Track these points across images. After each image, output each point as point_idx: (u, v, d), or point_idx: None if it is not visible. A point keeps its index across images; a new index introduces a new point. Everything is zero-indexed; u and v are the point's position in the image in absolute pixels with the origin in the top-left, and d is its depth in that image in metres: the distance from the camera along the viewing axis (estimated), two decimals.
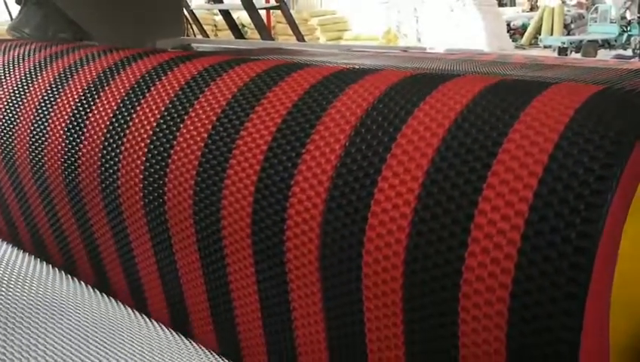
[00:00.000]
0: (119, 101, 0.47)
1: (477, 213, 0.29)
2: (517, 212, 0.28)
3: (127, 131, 0.45)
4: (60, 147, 0.49)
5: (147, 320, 0.48)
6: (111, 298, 0.51)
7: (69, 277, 0.54)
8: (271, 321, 0.39)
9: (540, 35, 6.99)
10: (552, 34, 6.89)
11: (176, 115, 0.43)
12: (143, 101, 0.45)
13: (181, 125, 0.42)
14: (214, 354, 0.44)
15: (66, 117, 0.50)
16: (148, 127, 0.44)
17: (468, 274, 0.29)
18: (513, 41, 6.97)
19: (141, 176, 0.43)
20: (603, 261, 0.27)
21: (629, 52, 5.91)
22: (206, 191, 0.39)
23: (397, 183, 0.32)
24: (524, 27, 7.27)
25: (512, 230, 0.28)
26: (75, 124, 0.49)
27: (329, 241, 0.33)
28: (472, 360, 0.30)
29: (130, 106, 0.46)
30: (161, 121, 0.43)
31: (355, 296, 0.33)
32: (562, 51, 6.16)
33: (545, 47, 6.65)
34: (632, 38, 6.05)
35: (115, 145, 0.45)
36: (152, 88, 0.46)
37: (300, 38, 2.93)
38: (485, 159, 0.30)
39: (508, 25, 7.08)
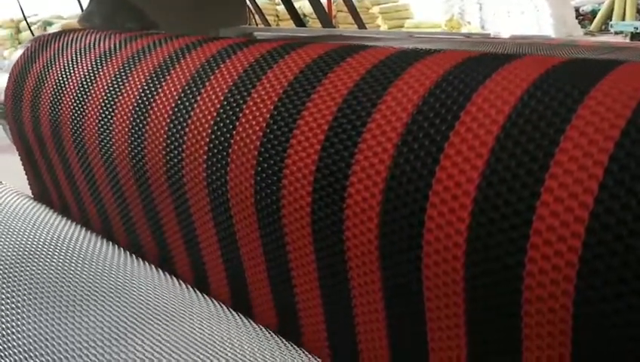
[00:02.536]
0: (182, 87, 0.47)
1: (539, 206, 0.27)
2: (581, 203, 0.26)
3: (190, 117, 0.45)
4: (126, 132, 0.51)
5: (209, 299, 0.48)
6: (174, 278, 0.52)
7: (134, 257, 0.56)
8: (331, 305, 0.39)
9: (610, 20, 6.71)
10: (623, 19, 6.59)
11: (238, 98, 0.43)
12: (205, 86, 0.46)
13: (242, 109, 0.42)
14: (274, 333, 0.44)
15: (132, 103, 0.51)
16: (210, 112, 0.44)
17: (530, 266, 0.27)
18: (582, 27, 6.72)
19: (204, 161, 0.43)
20: None
21: None
22: (266, 174, 0.39)
23: (457, 172, 0.30)
24: (594, 13, 6.98)
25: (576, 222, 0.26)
26: (140, 110, 0.50)
27: (388, 227, 0.32)
28: (537, 342, 0.28)
29: (193, 92, 0.46)
30: (224, 105, 0.43)
31: (415, 284, 0.32)
32: (635, 37, 5.89)
33: (616, 33, 6.37)
34: None
35: (178, 132, 0.46)
36: (215, 73, 0.46)
37: (361, 25, 2.91)
38: (548, 145, 0.28)
39: (577, 10, 6.82)
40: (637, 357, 0.25)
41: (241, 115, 0.42)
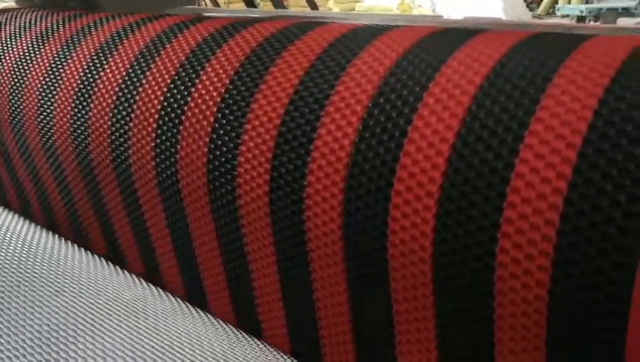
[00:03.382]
0: (128, 66, 0.45)
1: (509, 192, 0.26)
2: (559, 174, 0.25)
3: (138, 96, 0.42)
4: (68, 115, 0.48)
5: (161, 292, 0.46)
6: (124, 270, 0.50)
7: (81, 249, 0.53)
8: (292, 298, 0.37)
9: (557, 4, 6.85)
10: (569, 2, 6.74)
11: (187, 79, 0.40)
12: (152, 65, 0.43)
13: (193, 89, 0.39)
14: (232, 327, 0.42)
15: (74, 84, 0.48)
16: (159, 92, 0.41)
17: (505, 241, 0.26)
18: (530, 10, 6.83)
19: (152, 143, 0.41)
20: None
21: None
22: (220, 157, 0.36)
23: (422, 157, 0.28)
24: None
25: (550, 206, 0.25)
26: (84, 91, 0.47)
27: (352, 216, 0.31)
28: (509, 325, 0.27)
29: (139, 71, 0.44)
30: (172, 85, 0.41)
31: (381, 275, 0.31)
32: (580, 20, 6.03)
33: (562, 16, 6.51)
34: None
35: (125, 112, 0.43)
36: (162, 51, 0.44)
37: (313, 7, 2.88)
38: (517, 127, 0.27)
39: None
40: (609, 345, 0.24)
41: (189, 98, 0.39)
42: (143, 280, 0.48)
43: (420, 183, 0.28)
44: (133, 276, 0.49)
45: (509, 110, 0.27)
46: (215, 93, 0.38)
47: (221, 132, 0.37)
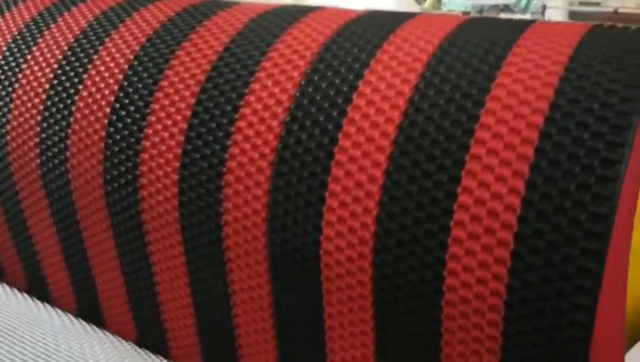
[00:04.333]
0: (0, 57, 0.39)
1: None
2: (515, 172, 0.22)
3: (19, 79, 0.37)
4: None
5: (49, 308, 0.41)
6: (3, 284, 0.44)
7: None
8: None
9: None
10: None
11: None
12: (29, 58, 0.38)
13: (81, 86, 0.34)
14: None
15: None
16: (40, 89, 0.36)
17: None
18: (418, 4, 6.99)
19: (36, 135, 0.36)
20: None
21: (527, 16, 6.05)
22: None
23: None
24: None
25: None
26: None
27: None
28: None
29: (18, 55, 0.38)
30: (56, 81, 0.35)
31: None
32: (465, 15, 6.24)
33: (448, 11, 6.71)
34: (533, 3, 6.20)
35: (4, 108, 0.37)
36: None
37: None
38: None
39: None
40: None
41: (77, 97, 0.34)
42: (26, 295, 0.42)
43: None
44: (15, 290, 0.43)
45: (454, 101, 0.24)
46: (108, 92, 0.33)
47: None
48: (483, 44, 0.26)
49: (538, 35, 0.25)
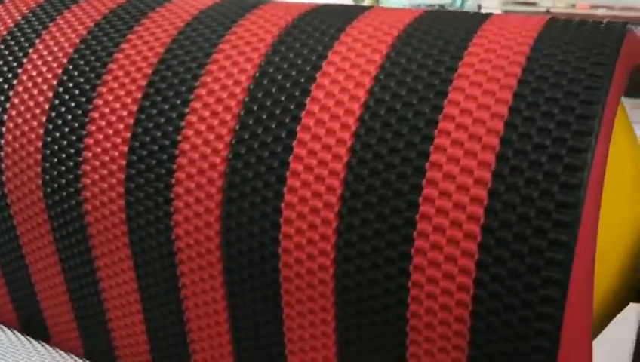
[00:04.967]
0: None
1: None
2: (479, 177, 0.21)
3: None
4: None
5: None
6: None
7: None
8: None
9: None
10: None
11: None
12: None
13: (15, 81, 0.32)
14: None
15: None
16: None
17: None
18: (359, 2, 7.07)
19: None
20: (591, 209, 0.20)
21: None
22: (59, 163, 0.30)
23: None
24: None
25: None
26: None
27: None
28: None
29: None
30: None
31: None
32: None
33: None
34: (468, 3, 6.34)
35: None
36: None
37: None
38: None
39: None
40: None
41: (11, 92, 0.32)
42: None
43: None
44: None
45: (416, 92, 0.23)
46: (51, 75, 0.31)
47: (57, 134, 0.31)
48: (443, 35, 0.25)
49: (498, 26, 0.25)
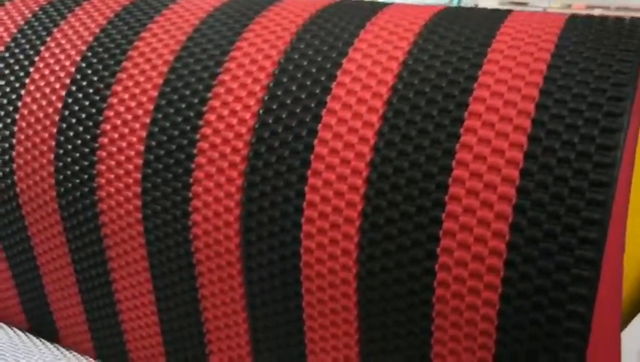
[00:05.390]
0: None
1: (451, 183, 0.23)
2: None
3: None
4: None
5: None
6: None
7: None
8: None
9: None
10: None
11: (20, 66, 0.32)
12: None
13: (28, 80, 0.31)
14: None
15: None
16: None
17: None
18: None
19: None
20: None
21: None
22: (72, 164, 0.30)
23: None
24: None
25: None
26: None
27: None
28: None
29: None
30: None
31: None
32: None
33: None
34: (465, 3, 6.40)
35: None
36: None
37: None
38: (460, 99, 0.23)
39: None
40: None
41: (23, 91, 0.31)
42: None
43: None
44: None
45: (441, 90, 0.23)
46: (63, 74, 0.30)
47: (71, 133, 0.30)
48: (464, 31, 0.25)
49: (520, 23, 0.25)
